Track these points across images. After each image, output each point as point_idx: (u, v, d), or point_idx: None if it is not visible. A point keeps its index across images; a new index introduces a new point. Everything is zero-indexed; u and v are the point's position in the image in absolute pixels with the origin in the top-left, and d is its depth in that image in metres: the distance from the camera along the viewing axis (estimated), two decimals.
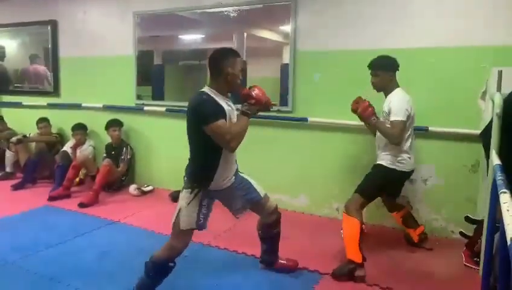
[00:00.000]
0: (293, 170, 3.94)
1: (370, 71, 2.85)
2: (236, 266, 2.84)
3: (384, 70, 2.79)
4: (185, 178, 2.30)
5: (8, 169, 5.08)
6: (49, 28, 5.30)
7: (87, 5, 4.99)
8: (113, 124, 4.61)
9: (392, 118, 2.67)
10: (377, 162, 2.86)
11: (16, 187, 4.57)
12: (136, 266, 2.77)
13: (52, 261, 2.84)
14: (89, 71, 5.04)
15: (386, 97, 2.83)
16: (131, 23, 4.65)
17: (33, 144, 5.17)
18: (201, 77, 5.22)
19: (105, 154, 4.63)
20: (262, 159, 4.03)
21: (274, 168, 4.00)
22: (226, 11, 4.18)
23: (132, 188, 4.43)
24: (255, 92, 2.23)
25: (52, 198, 4.16)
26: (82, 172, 4.64)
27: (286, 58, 4.00)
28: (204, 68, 5.30)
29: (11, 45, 5.95)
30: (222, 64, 2.16)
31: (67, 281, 2.56)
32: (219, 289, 2.55)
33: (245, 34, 4.42)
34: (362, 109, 2.78)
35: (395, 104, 2.69)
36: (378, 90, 2.86)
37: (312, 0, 3.70)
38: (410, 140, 2.81)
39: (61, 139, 5.12)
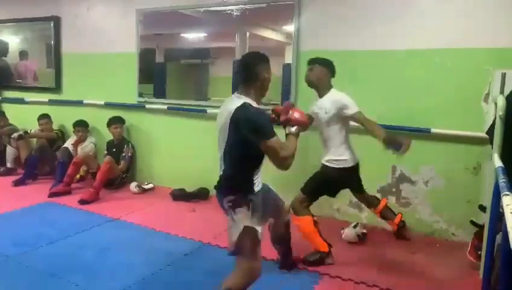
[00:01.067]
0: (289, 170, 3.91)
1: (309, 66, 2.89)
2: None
3: (323, 66, 2.84)
4: (225, 193, 2.11)
5: (9, 165, 5.09)
6: (52, 24, 5.29)
7: (90, 1, 4.99)
8: (115, 121, 4.62)
9: (355, 111, 2.73)
10: (322, 162, 2.92)
11: (17, 183, 4.57)
12: (135, 263, 2.80)
13: (52, 257, 2.84)
14: (91, 68, 5.04)
15: (320, 96, 2.86)
16: (134, 21, 4.64)
17: (34, 140, 5.17)
18: (203, 75, 5.23)
19: (106, 152, 4.64)
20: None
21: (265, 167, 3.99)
22: (229, 10, 4.17)
23: (133, 186, 4.43)
24: (294, 117, 2.15)
25: (52, 194, 4.17)
26: (83, 169, 4.65)
27: (288, 58, 4.00)
28: (205, 67, 5.34)
29: (14, 41, 5.95)
30: (258, 69, 2.09)
31: (68, 277, 2.56)
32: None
33: (247, 34, 4.42)
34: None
35: (347, 99, 2.77)
36: (313, 86, 2.88)
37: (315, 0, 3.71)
38: (347, 135, 2.88)
39: (62, 135, 5.12)
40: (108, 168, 4.18)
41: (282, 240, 2.65)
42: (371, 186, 3.36)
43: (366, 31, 3.51)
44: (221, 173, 2.14)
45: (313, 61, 2.88)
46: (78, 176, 4.58)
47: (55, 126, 5.16)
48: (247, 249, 1.98)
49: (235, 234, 1.99)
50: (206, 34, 4.77)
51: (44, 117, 5.01)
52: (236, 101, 2.02)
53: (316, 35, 3.74)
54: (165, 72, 5.03)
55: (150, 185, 4.51)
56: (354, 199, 3.41)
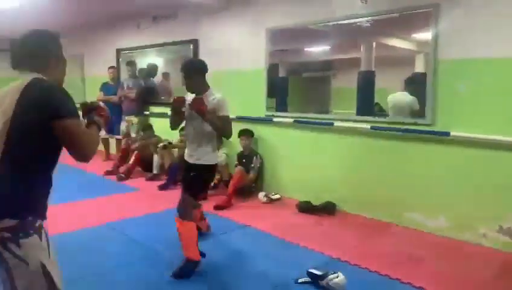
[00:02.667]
0: (431, 187, 3.66)
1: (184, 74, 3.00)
2: (368, 284, 2.75)
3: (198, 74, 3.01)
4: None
5: (155, 171, 5.76)
6: (191, 46, 5.89)
7: (225, 24, 5.43)
8: (244, 133, 4.90)
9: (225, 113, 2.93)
10: (204, 163, 2.98)
11: (161, 187, 5.16)
12: (267, 270, 2.90)
13: None
14: (225, 85, 5.43)
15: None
16: (264, 39, 4.90)
17: (176, 150, 5.77)
18: (325, 88, 5.24)
19: (236, 162, 4.94)
20: (395, 174, 3.86)
21: (408, 184, 3.79)
22: (358, 22, 4.12)
23: (261, 195, 4.62)
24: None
25: None
26: (216, 177, 5.02)
27: (419, 67, 3.78)
28: (327, 79, 5.35)
29: (158, 62, 6.79)
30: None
31: (206, 275, 2.80)
32: None
33: (374, 44, 4.31)
34: (198, 104, 2.82)
35: (224, 101, 2.95)
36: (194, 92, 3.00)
37: (456, 4, 3.43)
38: None
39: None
40: (240, 177, 4.46)
41: None
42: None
43: None
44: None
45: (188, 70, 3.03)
46: (212, 184, 4.96)
47: None
48: None
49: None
50: (329, 47, 4.79)
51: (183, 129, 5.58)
52: None
53: (456, 42, 3.45)
54: (287, 86, 5.18)
55: (277, 196, 4.66)
56: (506, 225, 3.03)
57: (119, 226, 3.77)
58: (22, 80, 1.54)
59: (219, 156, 5.03)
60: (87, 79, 8.37)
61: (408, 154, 3.80)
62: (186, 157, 3.13)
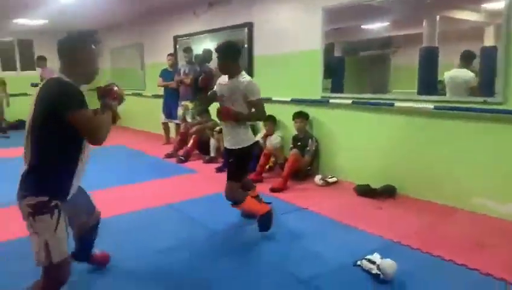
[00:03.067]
0: (503, 171, 3.41)
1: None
2: (430, 269, 2.64)
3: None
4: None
5: (212, 154, 5.90)
6: (245, 30, 5.89)
7: (280, 6, 5.36)
8: (299, 116, 4.85)
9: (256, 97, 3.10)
10: (239, 147, 3.14)
11: (218, 170, 5.27)
12: (324, 253, 2.88)
13: (251, 236, 3.20)
14: (280, 67, 5.42)
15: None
16: (320, 18, 4.77)
17: None
18: (383, 67, 5.02)
19: (291, 145, 4.91)
20: (461, 157, 3.64)
21: (477, 168, 3.56)
22: None
23: (317, 178, 4.57)
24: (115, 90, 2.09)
25: None
26: (271, 160, 5.04)
27: (487, 40, 3.49)
28: (386, 58, 5.11)
29: (211, 47, 6.86)
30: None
31: (264, 256, 2.85)
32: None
33: (437, 17, 4.04)
34: (225, 115, 3.11)
35: (254, 85, 3.11)
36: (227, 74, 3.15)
37: None
38: None
39: (253, 129, 5.66)
40: (295, 160, 4.43)
41: (84, 239, 2.45)
42: None
43: None
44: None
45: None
46: (267, 167, 4.99)
47: None
48: (51, 267, 1.87)
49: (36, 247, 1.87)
50: (388, 23, 4.56)
51: None
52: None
53: None
54: (343, 67, 5.03)
55: (334, 179, 4.59)
56: None
57: (180, 206, 3.92)
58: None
59: (273, 139, 5.07)
60: (147, 66, 8.69)
61: (475, 136, 3.56)
62: (224, 143, 3.29)
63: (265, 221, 3.13)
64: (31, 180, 1.86)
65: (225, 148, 3.33)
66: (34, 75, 9.90)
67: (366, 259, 2.61)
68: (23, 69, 10.29)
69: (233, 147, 3.18)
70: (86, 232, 2.40)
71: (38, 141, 1.85)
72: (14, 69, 10.30)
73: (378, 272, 2.47)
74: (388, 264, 2.46)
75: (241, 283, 2.51)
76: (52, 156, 1.86)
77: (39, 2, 6.47)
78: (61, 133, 1.84)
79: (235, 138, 3.17)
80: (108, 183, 4.64)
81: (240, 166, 3.23)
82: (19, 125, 8.70)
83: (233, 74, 3.12)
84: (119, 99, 2.08)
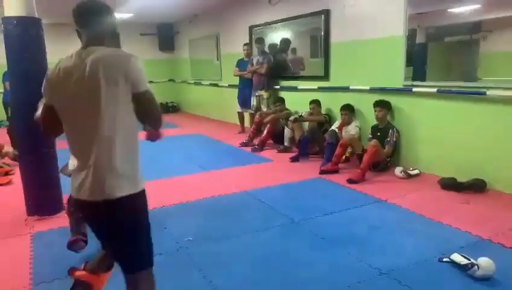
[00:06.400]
0: None
1: None
2: None
3: None
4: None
5: (286, 143, 5.94)
6: (322, 17, 5.79)
7: None
8: (380, 105, 4.68)
9: None
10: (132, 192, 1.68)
11: (293, 159, 5.30)
12: (406, 245, 2.79)
13: (328, 226, 3.18)
14: (357, 55, 5.26)
15: None
16: (402, 3, 4.53)
17: (306, 123, 5.85)
18: (472, 53, 4.63)
19: (370, 136, 4.77)
20: None
21: None
22: None
23: (398, 170, 4.40)
24: None
25: (323, 172, 4.62)
26: (348, 150, 4.95)
27: None
28: (475, 43, 4.71)
29: (288, 36, 6.85)
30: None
31: (343, 247, 2.82)
32: None
33: None
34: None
35: None
36: None
37: None
38: None
39: (329, 119, 5.60)
40: (375, 151, 4.30)
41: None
42: None
43: None
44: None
45: None
46: (343, 157, 4.91)
47: (322, 110, 5.69)
48: None
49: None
50: (478, 6, 4.20)
51: (314, 102, 5.61)
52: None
53: None
54: (425, 53, 4.74)
55: (416, 171, 4.38)
56: None
57: (257, 193, 4.02)
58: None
59: (350, 129, 4.96)
60: (223, 56, 8.94)
61: None
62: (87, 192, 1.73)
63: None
64: None
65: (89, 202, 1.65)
66: None
67: (459, 254, 2.48)
68: None
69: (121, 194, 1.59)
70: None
71: None
72: None
73: (475, 262, 2.34)
74: (486, 263, 2.32)
75: (320, 269, 2.53)
76: None
77: None
78: None
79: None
80: (189, 170, 4.91)
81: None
82: None
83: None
84: None
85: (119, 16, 9.09)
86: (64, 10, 8.15)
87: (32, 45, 3.38)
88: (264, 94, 6.71)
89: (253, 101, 6.89)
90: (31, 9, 3.35)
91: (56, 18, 8.60)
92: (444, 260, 2.53)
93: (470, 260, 2.39)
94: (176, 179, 4.64)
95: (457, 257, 2.47)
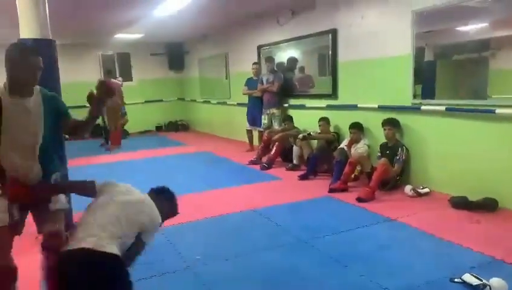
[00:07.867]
0: None
1: None
2: None
3: None
4: None
5: (294, 161, 5.94)
6: (329, 36, 5.86)
7: (365, 10, 5.24)
8: (389, 123, 4.68)
9: None
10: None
11: (301, 177, 5.28)
12: (417, 265, 2.75)
13: (336, 245, 3.16)
14: (365, 73, 5.29)
15: None
16: (409, 22, 4.57)
17: (315, 141, 5.85)
18: (481, 70, 4.63)
19: (379, 154, 4.75)
20: None
21: None
22: None
23: (407, 189, 4.36)
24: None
25: (332, 190, 4.60)
26: (357, 169, 4.93)
27: None
28: (484, 61, 4.71)
29: (295, 55, 6.92)
30: None
31: (351, 266, 2.79)
32: None
33: None
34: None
35: None
36: None
37: None
38: None
39: (337, 137, 5.60)
40: (385, 169, 4.28)
41: None
42: None
43: None
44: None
45: None
46: (352, 176, 4.89)
47: (331, 129, 5.70)
48: None
49: None
50: (486, 24, 4.22)
51: (323, 119, 5.63)
52: None
53: None
54: (434, 71, 4.75)
55: (426, 190, 4.34)
56: None
57: (266, 212, 4.00)
58: None
59: (359, 147, 4.95)
60: (232, 75, 9.04)
61: None
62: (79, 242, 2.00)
63: None
64: None
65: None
66: (131, 85, 10.91)
67: (470, 275, 2.45)
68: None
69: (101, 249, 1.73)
70: None
71: None
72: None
73: (487, 283, 2.29)
74: (498, 284, 2.28)
75: (329, 289, 2.51)
76: None
77: (139, 17, 7.09)
78: None
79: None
80: (198, 188, 4.92)
81: None
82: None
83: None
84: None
85: (130, 36, 9.31)
86: (77, 31, 8.40)
87: (47, 66, 3.46)
88: (276, 112, 6.75)
89: (265, 119, 6.93)
90: (45, 31, 3.45)
91: (67, 39, 8.87)
92: (456, 280, 2.49)
93: (482, 280, 2.35)
94: (184, 197, 4.59)
95: (469, 278, 2.43)
